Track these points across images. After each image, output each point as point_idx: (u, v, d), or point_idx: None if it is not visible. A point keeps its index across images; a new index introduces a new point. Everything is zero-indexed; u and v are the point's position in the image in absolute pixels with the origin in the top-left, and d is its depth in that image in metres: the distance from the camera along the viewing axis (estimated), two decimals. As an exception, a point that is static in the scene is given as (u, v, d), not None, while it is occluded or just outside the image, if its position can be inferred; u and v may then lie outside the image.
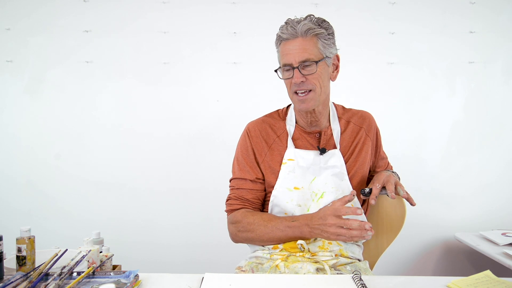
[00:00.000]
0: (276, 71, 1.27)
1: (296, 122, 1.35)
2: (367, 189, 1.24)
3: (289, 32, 1.20)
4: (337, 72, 1.30)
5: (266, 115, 1.41)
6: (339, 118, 1.36)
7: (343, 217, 1.14)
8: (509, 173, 2.27)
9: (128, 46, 2.20)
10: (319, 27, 1.21)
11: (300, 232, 1.19)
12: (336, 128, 1.34)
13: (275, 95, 2.15)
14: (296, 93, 1.24)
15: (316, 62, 1.21)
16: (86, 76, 2.20)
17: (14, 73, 2.19)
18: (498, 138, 2.26)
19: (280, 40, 1.24)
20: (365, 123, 1.37)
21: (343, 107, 1.41)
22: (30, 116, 2.21)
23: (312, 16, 1.23)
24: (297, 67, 1.20)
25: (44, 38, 2.18)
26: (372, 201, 1.20)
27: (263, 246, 1.31)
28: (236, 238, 1.33)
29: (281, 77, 1.26)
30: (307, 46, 1.20)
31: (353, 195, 1.18)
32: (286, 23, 1.23)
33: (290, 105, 1.40)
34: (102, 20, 2.19)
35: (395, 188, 1.22)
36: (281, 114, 1.39)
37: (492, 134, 2.26)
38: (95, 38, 2.19)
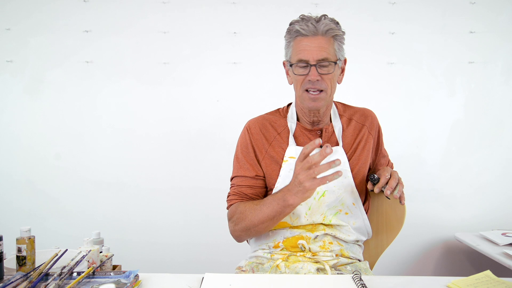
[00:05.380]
0: (291, 65, 1.24)
1: (297, 120, 1.34)
2: (376, 176, 1.20)
3: (310, 29, 1.19)
4: (343, 75, 1.30)
5: (267, 113, 1.40)
6: (340, 116, 1.36)
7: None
8: (509, 173, 2.27)
9: (128, 46, 2.20)
10: (338, 29, 1.22)
11: (283, 201, 1.12)
12: (337, 125, 1.33)
13: (275, 95, 2.15)
14: (307, 90, 1.23)
15: (335, 62, 1.21)
16: (86, 76, 2.20)
17: (14, 73, 2.19)
18: (498, 138, 2.26)
19: (296, 34, 1.22)
20: (367, 121, 1.36)
21: (343, 104, 1.41)
22: (30, 116, 2.21)
23: (327, 16, 1.22)
24: (315, 65, 1.19)
25: (44, 38, 2.18)
26: (376, 190, 1.18)
27: (260, 234, 1.28)
28: (234, 234, 1.29)
29: (295, 73, 1.23)
30: (325, 45, 1.20)
31: (318, 143, 1.04)
32: (304, 19, 1.21)
33: (291, 103, 1.39)
34: (102, 20, 2.19)
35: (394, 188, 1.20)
36: (282, 112, 1.38)
37: (492, 134, 2.26)
38: (95, 38, 2.19)
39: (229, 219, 1.30)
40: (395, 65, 2.24)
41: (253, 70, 2.21)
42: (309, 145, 1.06)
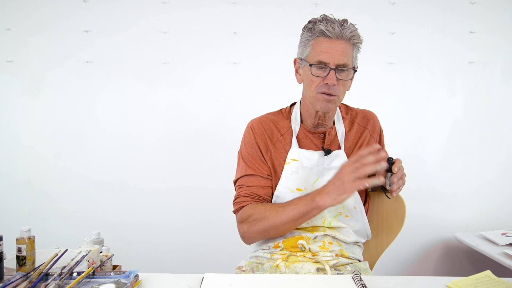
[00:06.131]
0: (311, 65, 1.20)
1: (301, 122, 1.33)
2: (394, 159, 1.19)
3: (335, 32, 1.17)
4: (351, 82, 1.29)
5: (269, 113, 1.38)
6: (343, 118, 1.35)
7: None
8: (509, 173, 2.27)
9: (128, 46, 2.20)
10: (359, 36, 1.21)
11: (312, 202, 1.12)
12: (340, 128, 1.32)
13: (275, 95, 2.15)
14: (321, 92, 1.21)
15: (355, 70, 1.21)
16: (86, 76, 2.20)
17: (14, 73, 2.19)
18: (498, 138, 2.26)
19: (318, 34, 1.19)
20: (369, 123, 1.36)
21: (346, 106, 1.40)
22: (30, 116, 2.20)
23: (348, 21, 1.20)
24: (334, 69, 1.18)
25: (44, 38, 2.18)
26: (395, 169, 1.17)
27: (278, 236, 1.25)
28: (247, 236, 1.24)
29: (313, 74, 1.20)
30: (347, 51, 1.19)
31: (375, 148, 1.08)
32: (328, 20, 1.19)
33: (294, 104, 1.38)
34: (102, 20, 2.19)
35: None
36: (285, 113, 1.36)
37: (492, 134, 2.26)
38: (95, 38, 2.19)
39: (243, 221, 1.24)
40: (395, 65, 2.24)
41: (253, 70, 2.21)
42: (367, 148, 1.09)
